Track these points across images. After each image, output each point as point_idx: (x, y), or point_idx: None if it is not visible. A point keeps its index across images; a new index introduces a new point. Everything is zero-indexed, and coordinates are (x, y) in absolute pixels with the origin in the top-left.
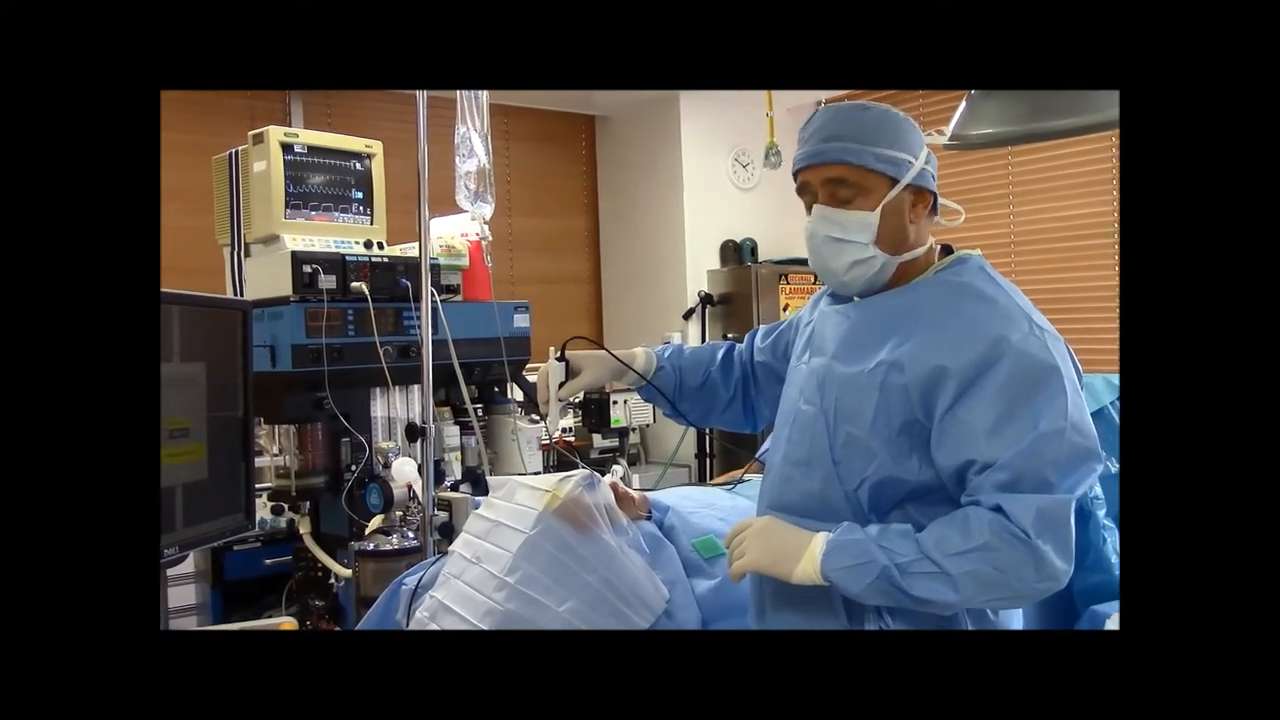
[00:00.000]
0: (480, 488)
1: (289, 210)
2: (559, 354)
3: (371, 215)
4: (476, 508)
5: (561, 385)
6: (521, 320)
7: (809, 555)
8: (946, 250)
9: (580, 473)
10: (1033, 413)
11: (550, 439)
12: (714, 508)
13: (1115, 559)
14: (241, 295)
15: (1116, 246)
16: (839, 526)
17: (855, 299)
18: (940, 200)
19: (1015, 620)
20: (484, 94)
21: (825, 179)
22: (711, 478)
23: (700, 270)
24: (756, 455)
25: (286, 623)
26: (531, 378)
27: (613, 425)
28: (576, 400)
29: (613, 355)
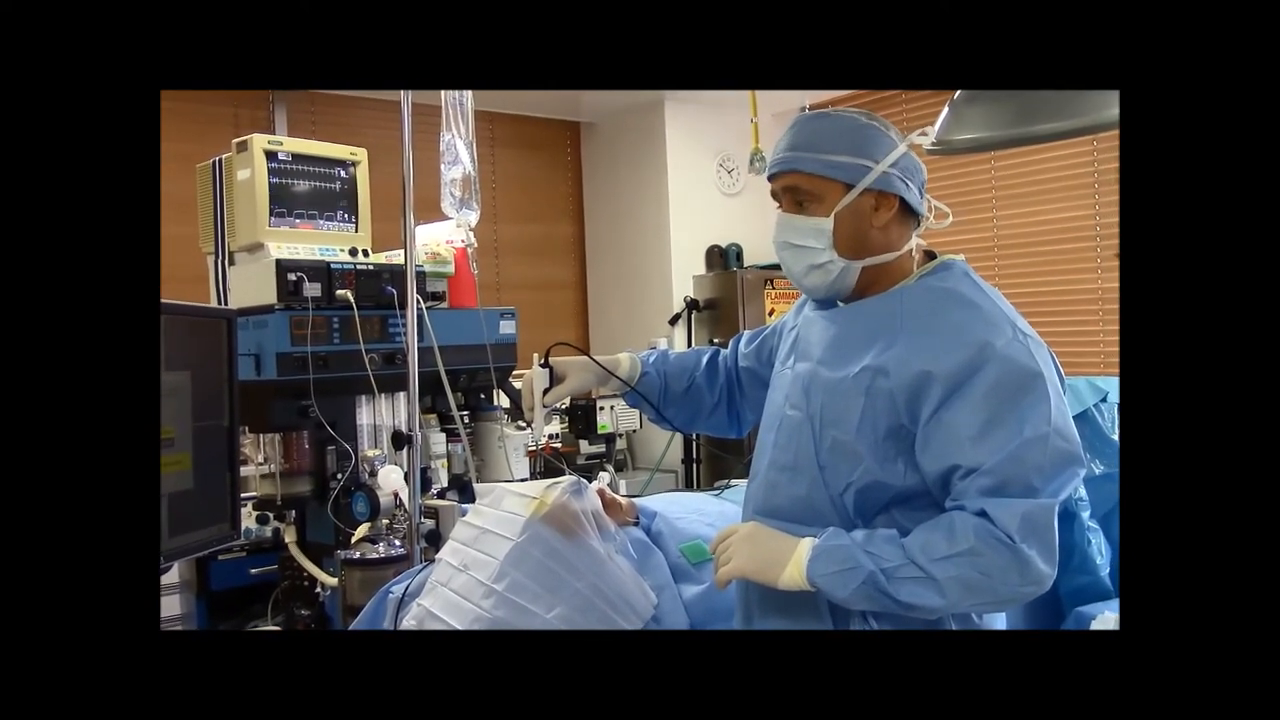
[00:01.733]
0: (467, 495)
1: (273, 218)
2: (543, 361)
3: (356, 223)
4: (463, 515)
5: (546, 392)
6: (508, 327)
7: (795, 561)
8: (930, 256)
9: (567, 479)
10: (1017, 418)
11: (536, 445)
12: (701, 513)
13: (1100, 560)
14: (226, 304)
15: (1100, 250)
16: (824, 532)
17: (840, 304)
18: (926, 202)
19: (999, 623)
20: (469, 100)
21: (783, 187)
22: (698, 483)
23: (686, 275)
24: None
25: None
26: (518, 384)
27: (599, 431)
28: (562, 407)
29: (596, 362)
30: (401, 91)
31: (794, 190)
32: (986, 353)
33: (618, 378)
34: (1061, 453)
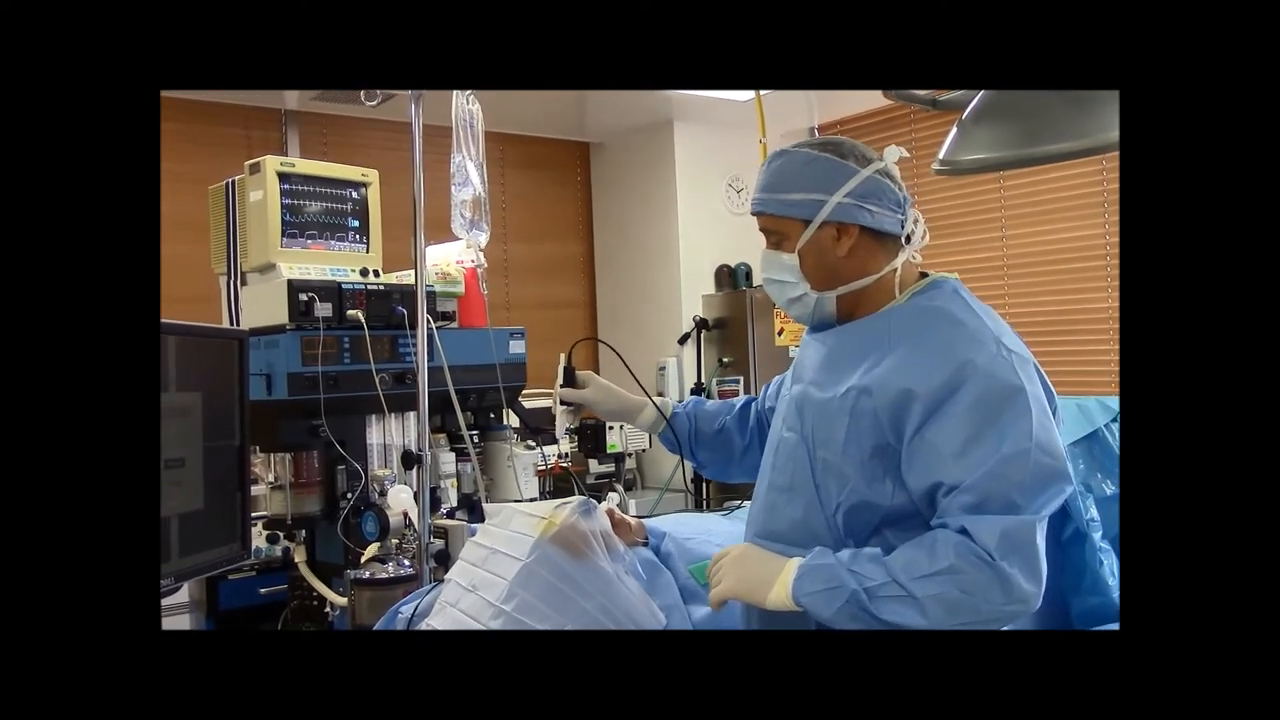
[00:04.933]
0: (476, 515)
1: (285, 239)
2: (567, 357)
3: (367, 243)
4: (473, 535)
5: (562, 386)
6: (517, 346)
7: (781, 581)
8: (925, 276)
9: (576, 499)
10: (997, 434)
11: (545, 462)
12: (710, 534)
13: (1112, 581)
14: (237, 324)
15: (1110, 269)
16: (811, 552)
17: (836, 325)
18: (911, 220)
19: None
20: (479, 121)
21: (759, 227)
22: (707, 504)
23: (695, 295)
24: None
25: None
26: (529, 404)
27: (609, 451)
28: (572, 424)
29: (646, 395)
30: (412, 112)
31: (766, 230)
32: (967, 370)
33: (654, 404)
34: (1044, 468)
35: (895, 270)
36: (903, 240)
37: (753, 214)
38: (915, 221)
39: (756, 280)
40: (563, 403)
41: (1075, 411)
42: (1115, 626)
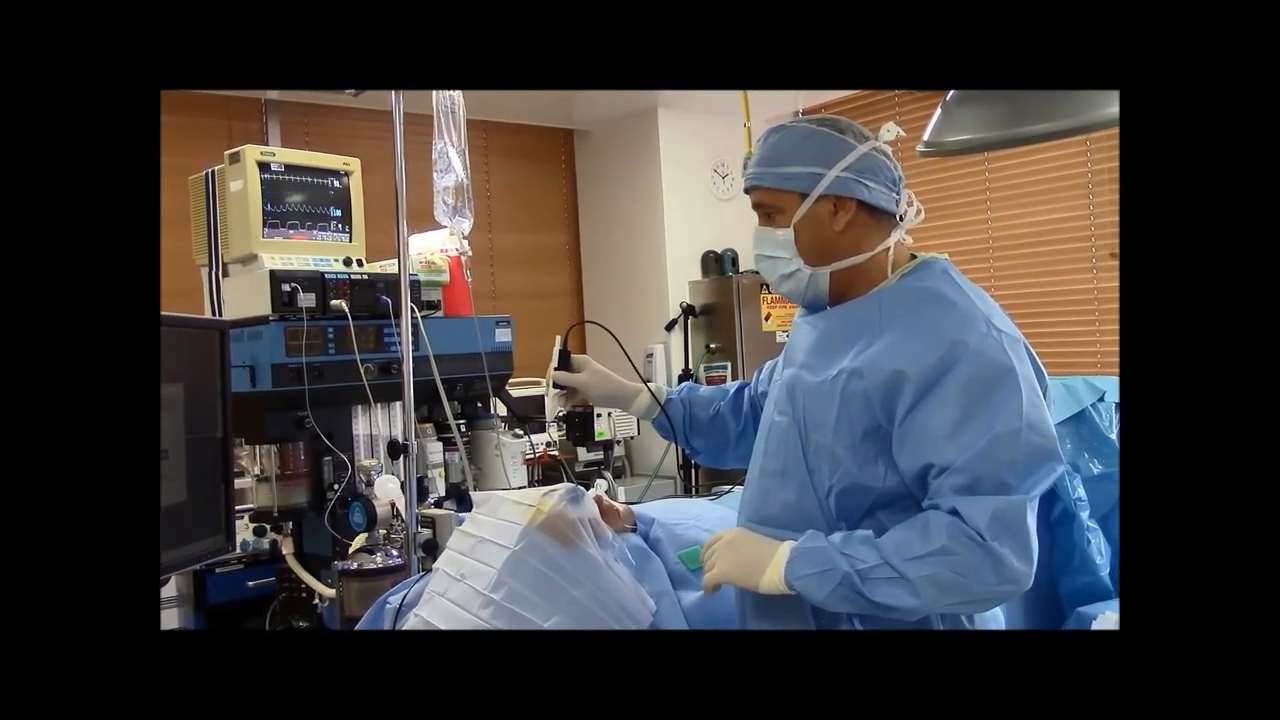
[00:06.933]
0: (464, 504)
1: (267, 229)
2: (563, 340)
3: (350, 233)
4: (460, 524)
5: (558, 370)
6: (503, 335)
7: (774, 564)
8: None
9: (564, 486)
10: (988, 415)
11: (533, 450)
12: (699, 519)
13: (1100, 560)
14: (220, 316)
15: (1093, 250)
16: (803, 535)
17: (828, 307)
18: (905, 199)
19: (996, 624)
20: (460, 108)
21: (753, 203)
22: (696, 489)
23: (682, 281)
24: None
25: None
26: (516, 392)
27: (597, 438)
28: (562, 410)
29: (622, 378)
30: (392, 99)
31: (760, 205)
32: (958, 350)
33: (649, 391)
34: (1035, 448)
35: (888, 249)
36: (897, 219)
37: (746, 190)
38: (909, 202)
39: (745, 264)
40: (556, 386)
41: (1062, 392)
42: (1103, 605)
